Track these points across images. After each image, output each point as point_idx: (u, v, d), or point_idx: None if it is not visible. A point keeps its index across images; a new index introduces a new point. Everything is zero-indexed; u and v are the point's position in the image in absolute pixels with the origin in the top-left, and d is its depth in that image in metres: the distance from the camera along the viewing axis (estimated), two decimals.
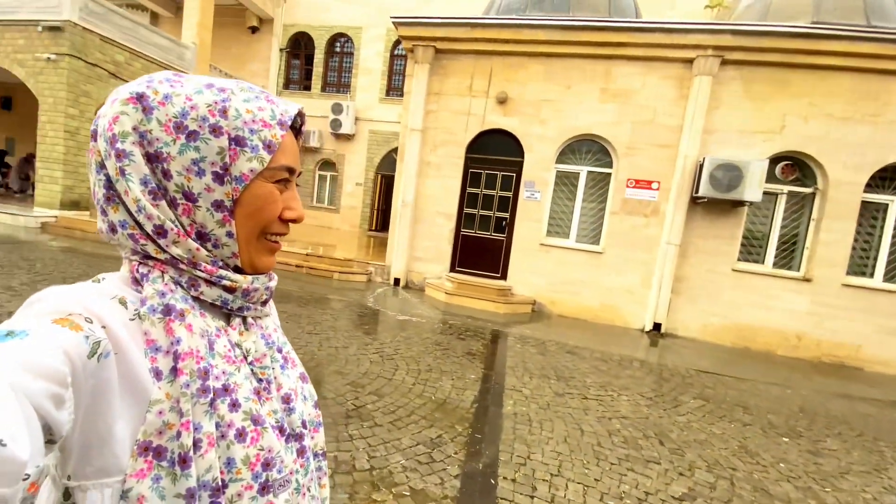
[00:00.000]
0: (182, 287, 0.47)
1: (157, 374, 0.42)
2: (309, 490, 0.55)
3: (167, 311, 0.44)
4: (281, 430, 0.52)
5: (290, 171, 0.51)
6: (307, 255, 7.97)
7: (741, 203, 6.17)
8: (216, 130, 0.45)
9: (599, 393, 3.92)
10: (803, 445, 3.38)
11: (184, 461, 0.41)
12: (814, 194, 6.29)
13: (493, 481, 2.41)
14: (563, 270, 7.06)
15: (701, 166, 6.19)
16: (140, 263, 0.47)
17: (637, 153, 6.68)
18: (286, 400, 0.54)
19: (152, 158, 0.45)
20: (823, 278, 6.19)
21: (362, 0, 13.17)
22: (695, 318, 6.62)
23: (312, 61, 14.01)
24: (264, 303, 0.56)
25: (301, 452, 0.54)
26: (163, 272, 0.47)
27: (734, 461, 2.98)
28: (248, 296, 0.52)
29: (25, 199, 10.51)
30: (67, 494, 0.39)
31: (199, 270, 0.48)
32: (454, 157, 7.40)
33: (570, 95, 6.86)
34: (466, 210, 7.53)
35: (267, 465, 0.47)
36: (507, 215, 7.36)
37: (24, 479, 0.30)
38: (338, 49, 14.01)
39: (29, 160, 10.73)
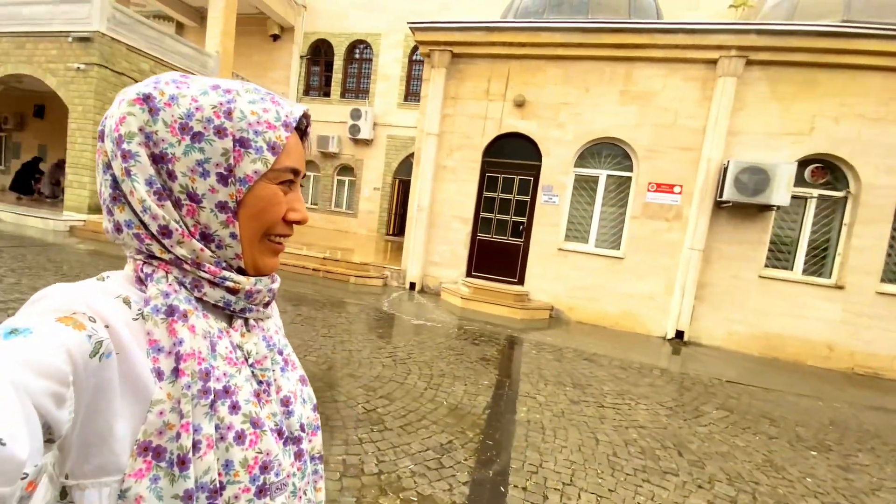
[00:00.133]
0: (186, 288, 0.48)
1: (159, 375, 0.42)
2: (305, 493, 0.55)
3: (171, 311, 0.45)
4: (280, 433, 0.52)
5: (295, 172, 0.51)
6: (324, 258, 8.07)
7: (768, 207, 5.98)
8: (221, 132, 0.46)
9: (616, 401, 3.82)
10: (833, 460, 3.22)
11: (182, 462, 0.41)
12: (845, 198, 6.04)
13: (502, 489, 2.37)
14: (582, 276, 6.95)
15: (725, 169, 6.02)
16: (144, 263, 0.47)
17: (658, 156, 6.54)
18: (285, 403, 0.54)
19: (158, 159, 0.45)
20: (856, 286, 5.93)
21: (381, 7, 13.34)
22: (719, 325, 6.42)
23: (332, 68, 14.24)
24: (266, 304, 0.56)
25: (298, 455, 0.54)
26: (167, 272, 0.47)
27: (757, 475, 2.86)
28: (250, 297, 0.52)
29: (56, 203, 10.93)
30: (64, 493, 0.39)
31: (203, 271, 0.48)
32: (470, 161, 7.39)
33: (588, 98, 6.78)
34: (483, 214, 7.51)
35: (265, 468, 0.47)
36: (524, 219, 7.30)
37: (23, 478, 0.30)
38: (357, 55, 14.21)
39: (60, 166, 11.16)
